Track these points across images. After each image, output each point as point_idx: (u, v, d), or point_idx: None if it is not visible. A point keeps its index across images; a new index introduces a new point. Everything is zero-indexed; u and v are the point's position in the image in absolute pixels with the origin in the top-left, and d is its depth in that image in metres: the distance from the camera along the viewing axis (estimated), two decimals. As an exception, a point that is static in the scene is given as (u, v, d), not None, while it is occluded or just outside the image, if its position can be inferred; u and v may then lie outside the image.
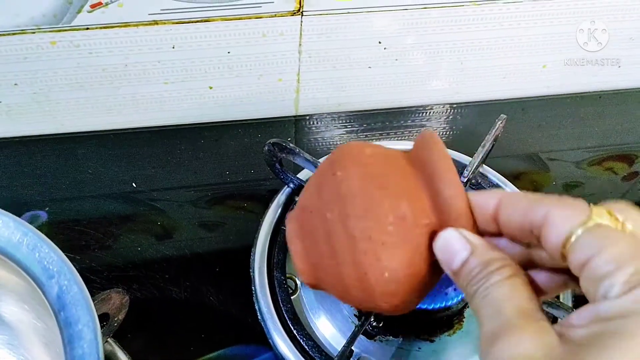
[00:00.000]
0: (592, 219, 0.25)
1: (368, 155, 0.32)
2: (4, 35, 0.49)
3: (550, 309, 0.43)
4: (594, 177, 0.61)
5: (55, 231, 0.53)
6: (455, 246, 0.28)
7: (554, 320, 0.44)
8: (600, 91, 0.68)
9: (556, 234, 0.25)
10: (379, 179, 0.30)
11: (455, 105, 0.66)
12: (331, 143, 0.62)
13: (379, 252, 0.29)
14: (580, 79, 0.66)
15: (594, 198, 0.57)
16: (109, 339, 0.42)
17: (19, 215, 0.53)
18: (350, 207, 0.29)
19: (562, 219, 0.25)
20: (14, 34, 0.49)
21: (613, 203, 0.26)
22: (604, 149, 0.64)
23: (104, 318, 0.38)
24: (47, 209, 0.55)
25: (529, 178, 0.60)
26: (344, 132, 0.63)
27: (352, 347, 0.42)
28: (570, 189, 0.60)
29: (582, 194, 0.59)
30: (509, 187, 0.55)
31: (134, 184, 0.57)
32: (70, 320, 0.29)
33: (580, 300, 0.41)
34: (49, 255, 0.31)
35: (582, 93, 0.68)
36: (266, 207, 0.52)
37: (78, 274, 0.31)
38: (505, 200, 0.28)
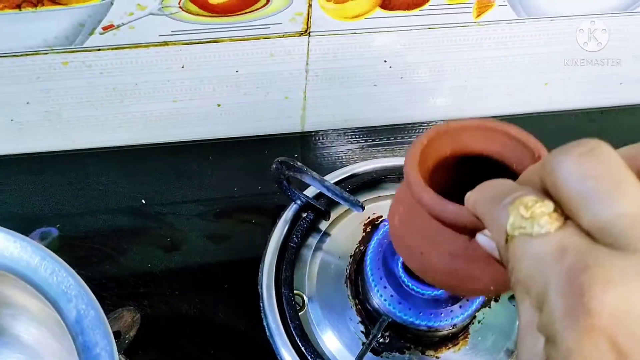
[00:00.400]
0: (507, 232, 0.22)
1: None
2: (17, 56, 0.50)
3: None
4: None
5: (66, 247, 0.54)
6: (490, 246, 0.28)
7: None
8: (603, 107, 0.69)
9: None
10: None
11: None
12: (337, 158, 0.63)
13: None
14: (582, 96, 0.67)
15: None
16: (120, 356, 0.43)
17: (30, 232, 0.55)
18: None
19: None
20: (27, 54, 0.50)
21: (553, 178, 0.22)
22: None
23: (116, 336, 0.39)
24: (58, 225, 0.55)
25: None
26: (350, 148, 0.64)
27: (360, 364, 0.43)
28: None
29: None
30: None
31: (143, 200, 0.58)
32: (88, 345, 0.30)
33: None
34: (66, 280, 0.32)
35: (584, 109, 0.68)
36: (274, 221, 0.53)
37: (95, 298, 0.31)
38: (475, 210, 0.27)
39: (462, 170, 0.38)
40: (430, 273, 0.37)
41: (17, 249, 0.33)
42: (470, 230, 0.31)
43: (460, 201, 0.31)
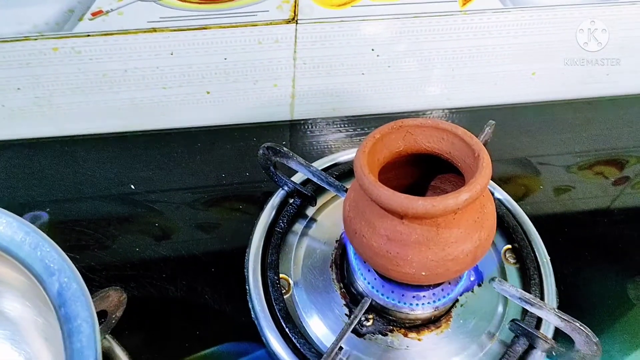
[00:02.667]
0: None
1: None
2: (7, 41, 0.51)
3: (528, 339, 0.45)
4: (584, 182, 0.62)
5: (55, 231, 0.55)
6: None
7: (530, 347, 0.46)
8: (590, 98, 0.69)
9: None
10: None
11: (446, 111, 0.67)
12: (325, 147, 0.63)
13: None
14: (569, 87, 0.67)
15: (584, 202, 0.58)
16: (107, 336, 0.43)
17: (21, 216, 0.55)
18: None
19: None
20: (17, 40, 0.51)
21: None
22: (593, 154, 0.65)
23: (102, 315, 0.39)
24: (47, 209, 0.56)
25: (519, 182, 0.61)
26: (338, 137, 0.64)
27: (342, 344, 0.43)
28: (560, 192, 0.61)
29: (573, 197, 0.61)
30: (498, 191, 0.56)
31: (132, 186, 0.58)
32: (69, 316, 0.30)
33: (560, 332, 0.43)
34: (49, 254, 0.32)
35: (571, 100, 0.69)
36: (261, 209, 0.54)
37: (78, 272, 0.32)
38: None
39: (417, 166, 0.43)
40: (371, 256, 0.40)
41: (1, 225, 0.34)
42: (404, 215, 0.36)
43: (416, 194, 0.35)
